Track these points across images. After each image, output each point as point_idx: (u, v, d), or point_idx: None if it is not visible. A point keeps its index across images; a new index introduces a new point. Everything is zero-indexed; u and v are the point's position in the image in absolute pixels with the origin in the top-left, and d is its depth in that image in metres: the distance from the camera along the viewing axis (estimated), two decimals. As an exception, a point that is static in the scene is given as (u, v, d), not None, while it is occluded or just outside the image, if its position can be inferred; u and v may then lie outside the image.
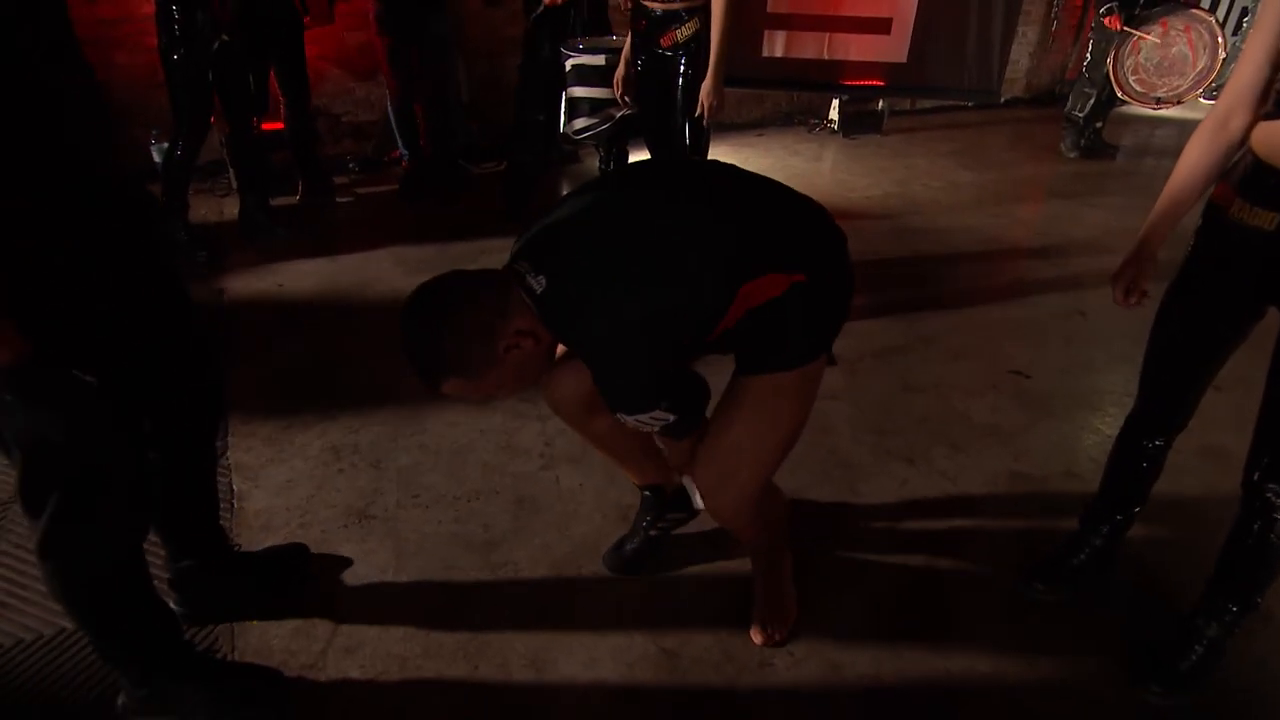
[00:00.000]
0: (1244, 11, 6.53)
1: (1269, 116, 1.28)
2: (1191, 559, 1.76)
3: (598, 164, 4.46)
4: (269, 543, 1.86)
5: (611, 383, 1.23)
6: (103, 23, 3.80)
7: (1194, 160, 1.36)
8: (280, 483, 2.09)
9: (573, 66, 3.25)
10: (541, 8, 3.35)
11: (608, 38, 3.43)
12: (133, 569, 1.31)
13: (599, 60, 3.21)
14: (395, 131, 4.19)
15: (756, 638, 1.66)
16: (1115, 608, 1.77)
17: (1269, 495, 1.40)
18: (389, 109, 4.20)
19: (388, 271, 3.34)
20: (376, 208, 4.11)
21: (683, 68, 2.66)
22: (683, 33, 2.63)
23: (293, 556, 1.81)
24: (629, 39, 2.84)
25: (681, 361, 1.27)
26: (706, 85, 2.61)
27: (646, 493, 1.83)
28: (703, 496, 1.51)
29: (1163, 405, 1.60)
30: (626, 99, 2.96)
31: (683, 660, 1.63)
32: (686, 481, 1.63)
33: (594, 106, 3.32)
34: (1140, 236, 1.46)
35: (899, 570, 1.86)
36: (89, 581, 1.25)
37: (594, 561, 1.86)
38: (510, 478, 2.13)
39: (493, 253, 3.51)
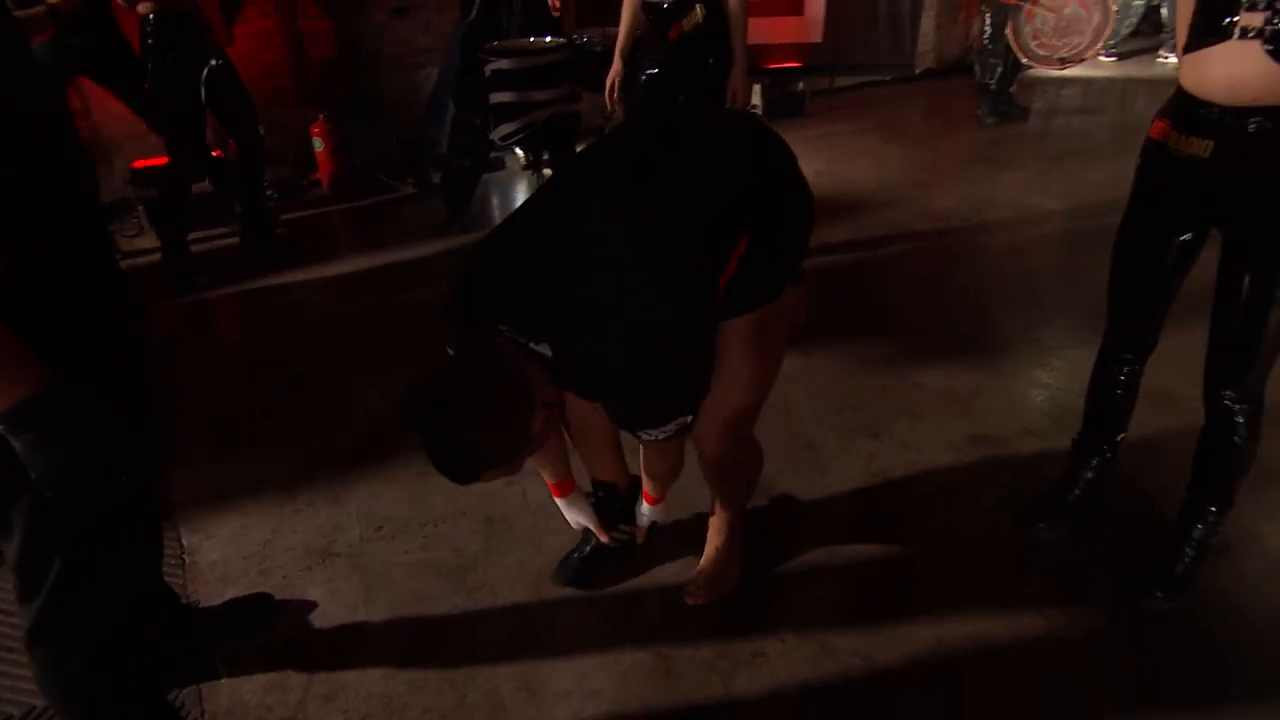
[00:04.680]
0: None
1: (1187, 50, 1.36)
2: (1158, 486, 1.87)
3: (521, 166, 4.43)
4: (229, 595, 1.77)
5: (636, 410, 1.22)
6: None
7: None
8: (233, 531, 1.99)
9: (492, 71, 3.19)
10: (475, 11, 3.28)
11: (525, 39, 3.37)
12: (139, 654, 1.23)
13: (517, 63, 3.17)
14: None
15: (691, 599, 1.69)
16: (1108, 538, 1.84)
17: (1226, 402, 1.51)
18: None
19: (324, 298, 3.22)
20: (308, 232, 3.96)
21: (700, 61, 2.60)
22: (690, 21, 2.55)
23: (257, 607, 1.72)
24: (623, 33, 2.76)
25: (697, 363, 1.25)
26: (738, 76, 2.60)
27: (600, 493, 1.79)
28: (701, 443, 1.51)
29: (1131, 331, 1.69)
30: (617, 103, 2.85)
31: (676, 662, 1.60)
32: (643, 510, 1.71)
33: (515, 110, 3.27)
34: None
35: (877, 544, 1.87)
36: (89, 672, 1.15)
37: (574, 574, 1.81)
38: (476, 497, 2.07)
39: (434, 262, 3.44)
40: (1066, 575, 1.76)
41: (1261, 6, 1.22)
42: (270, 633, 1.69)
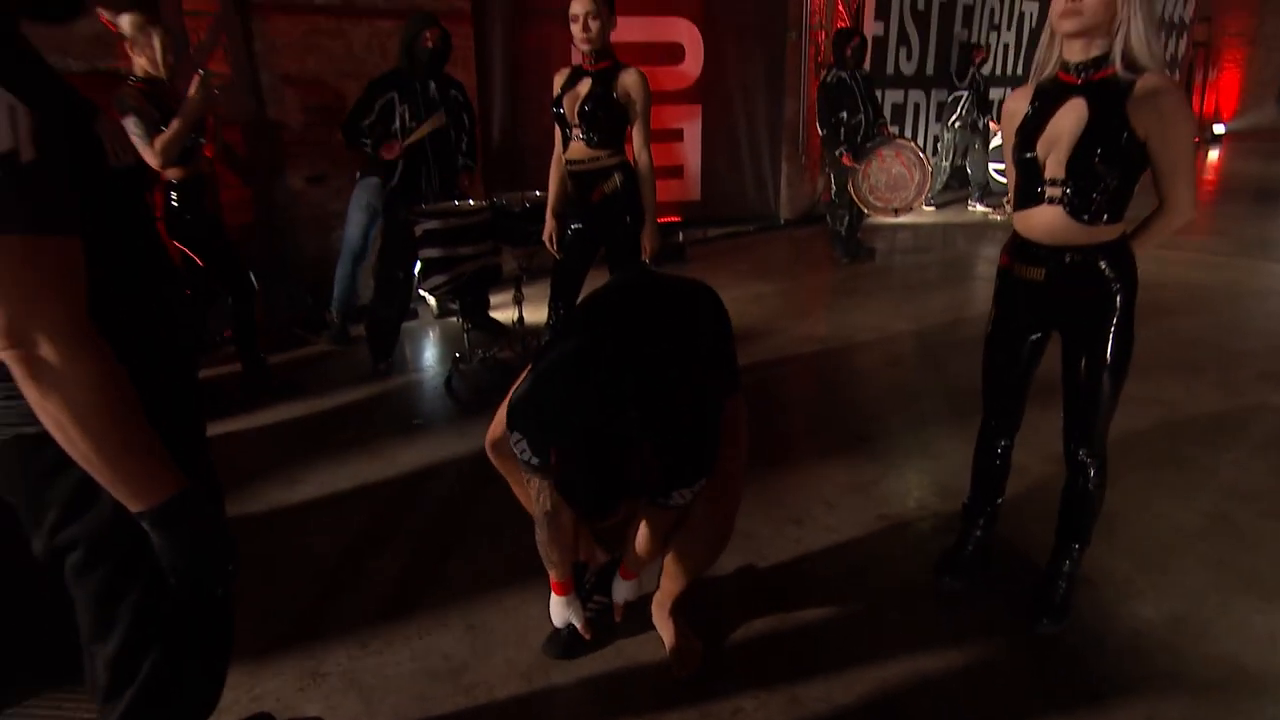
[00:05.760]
0: (935, 139, 8.28)
1: (1016, 209, 1.93)
2: (1025, 537, 2.25)
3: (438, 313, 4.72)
4: (227, 721, 1.81)
5: (694, 459, 1.56)
6: None
7: None
8: (215, 664, 2.02)
9: (423, 231, 3.55)
10: (396, 179, 3.69)
11: (450, 203, 3.78)
12: None
13: (445, 224, 3.55)
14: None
15: (680, 672, 1.93)
16: (999, 582, 2.23)
17: (1080, 457, 1.98)
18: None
19: (261, 443, 3.30)
20: (231, 386, 4.02)
21: (618, 219, 3.04)
22: (609, 186, 3.01)
23: (260, 729, 1.77)
24: (552, 195, 3.19)
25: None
26: (649, 231, 3.04)
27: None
28: (718, 515, 1.83)
29: (1001, 414, 2.14)
30: (557, 252, 3.26)
31: (666, 726, 1.80)
32: (620, 586, 1.97)
33: (445, 264, 3.61)
34: None
35: (818, 609, 2.17)
36: None
37: (562, 660, 1.99)
38: (453, 610, 2.21)
39: (367, 405, 3.60)
40: (972, 615, 2.12)
41: (1059, 184, 1.79)
42: (277, 753, 1.75)
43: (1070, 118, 1.72)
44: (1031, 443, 2.40)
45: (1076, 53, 1.71)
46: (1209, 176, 11.47)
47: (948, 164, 8.07)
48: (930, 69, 8.08)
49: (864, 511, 2.63)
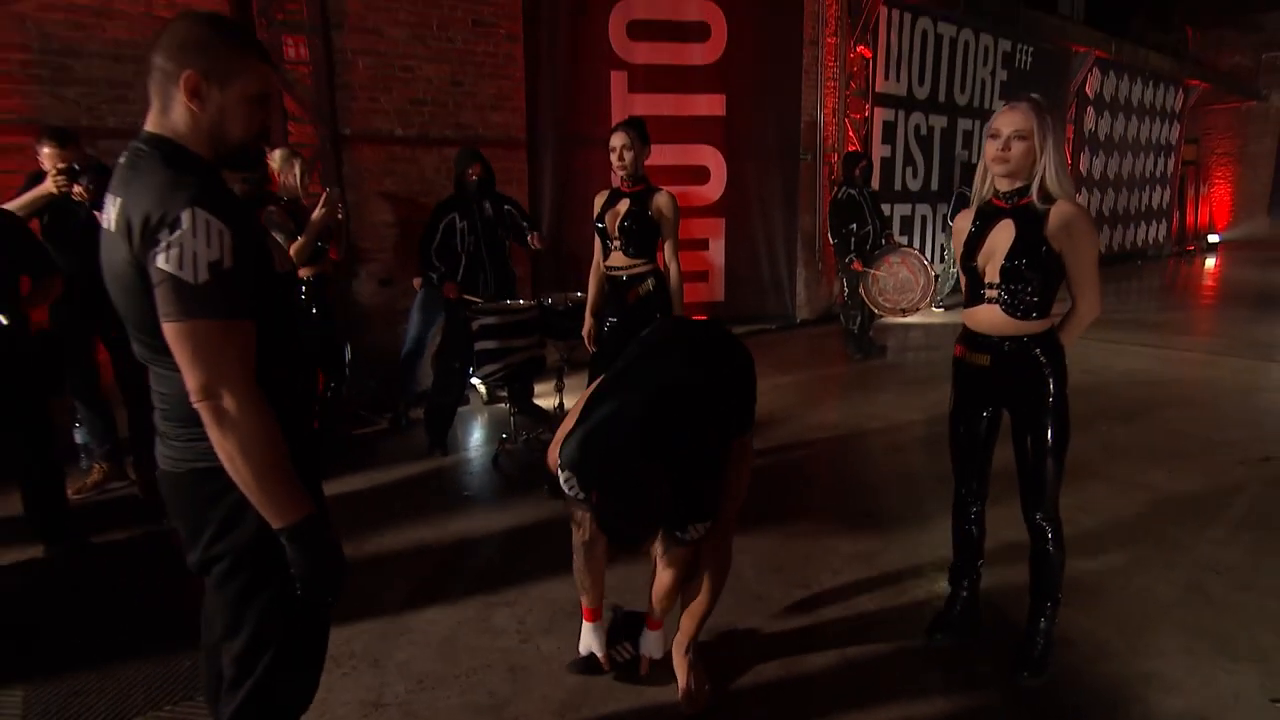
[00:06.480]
0: (942, 248, 8.80)
1: (965, 307, 2.32)
2: (1004, 599, 2.51)
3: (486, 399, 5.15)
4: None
5: (702, 493, 1.88)
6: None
7: None
8: (292, 693, 2.32)
9: (479, 326, 4.01)
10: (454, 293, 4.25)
11: (504, 301, 4.27)
12: None
13: (500, 319, 4.01)
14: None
15: (691, 709, 2.18)
16: (986, 639, 2.48)
17: (1037, 521, 2.26)
18: None
19: (334, 508, 3.65)
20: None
21: (651, 316, 3.45)
22: (644, 289, 3.48)
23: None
24: (591, 297, 3.63)
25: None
26: None
27: (607, 612, 2.38)
28: (717, 542, 2.11)
29: (968, 482, 2.45)
30: (593, 346, 3.69)
31: (685, 753, 2.06)
32: (648, 638, 2.30)
33: (497, 355, 4.05)
34: None
35: (822, 661, 2.43)
36: None
37: (593, 699, 2.27)
38: (497, 654, 2.50)
39: (420, 481, 3.96)
40: (960, 669, 2.37)
41: (996, 287, 2.19)
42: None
43: (1002, 235, 2.15)
44: (1014, 517, 2.67)
45: (1005, 185, 2.17)
46: (1208, 283, 11.90)
47: (955, 270, 8.54)
48: (935, 185, 8.71)
49: (866, 579, 2.90)
